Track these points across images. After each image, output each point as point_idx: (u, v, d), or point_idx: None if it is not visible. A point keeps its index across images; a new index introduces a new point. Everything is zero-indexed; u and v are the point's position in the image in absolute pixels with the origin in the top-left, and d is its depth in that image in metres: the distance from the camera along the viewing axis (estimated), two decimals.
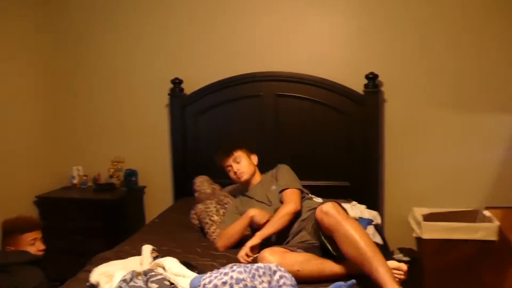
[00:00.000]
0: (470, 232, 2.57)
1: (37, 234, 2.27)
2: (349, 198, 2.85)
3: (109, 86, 3.42)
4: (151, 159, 3.40)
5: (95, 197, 3.13)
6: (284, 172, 2.43)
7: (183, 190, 3.17)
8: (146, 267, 1.69)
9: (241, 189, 2.54)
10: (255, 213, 2.15)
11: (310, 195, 2.45)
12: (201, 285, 1.30)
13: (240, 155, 2.43)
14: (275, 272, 1.40)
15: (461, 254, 2.60)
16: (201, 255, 2.09)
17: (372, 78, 2.89)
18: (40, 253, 2.23)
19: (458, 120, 2.93)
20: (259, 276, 1.32)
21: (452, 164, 2.97)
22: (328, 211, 1.74)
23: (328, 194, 2.83)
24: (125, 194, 3.21)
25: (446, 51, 2.90)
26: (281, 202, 2.24)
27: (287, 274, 1.41)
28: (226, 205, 2.51)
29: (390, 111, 3.03)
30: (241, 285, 1.26)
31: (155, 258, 1.80)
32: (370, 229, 2.31)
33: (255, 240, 2.00)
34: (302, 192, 2.33)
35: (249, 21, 3.16)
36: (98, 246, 2.43)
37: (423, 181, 3.02)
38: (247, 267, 1.36)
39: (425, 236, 2.64)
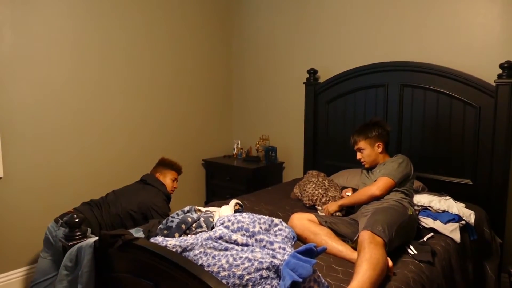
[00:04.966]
0: None
1: (177, 176, 2.87)
2: (467, 197, 2.66)
3: (259, 80, 4.12)
4: (290, 138, 3.91)
5: (243, 166, 3.85)
6: (393, 161, 2.46)
7: (312, 167, 3.57)
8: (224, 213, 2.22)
9: None
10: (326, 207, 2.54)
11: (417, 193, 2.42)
12: (219, 219, 1.73)
13: (363, 146, 2.55)
14: (276, 225, 1.69)
15: None
16: (278, 217, 2.48)
17: (507, 68, 2.54)
18: (172, 191, 2.83)
19: None
20: (258, 224, 1.64)
21: None
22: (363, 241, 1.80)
23: (446, 190, 2.72)
24: (264, 166, 3.83)
25: None
26: None
27: (287, 229, 1.68)
28: (324, 183, 2.82)
29: None
30: (239, 224, 1.62)
31: (236, 210, 2.31)
32: (451, 226, 2.16)
33: (334, 206, 2.48)
34: (396, 184, 2.34)
35: (377, 13, 3.23)
36: None
37: None
38: (254, 216, 1.69)
39: None
